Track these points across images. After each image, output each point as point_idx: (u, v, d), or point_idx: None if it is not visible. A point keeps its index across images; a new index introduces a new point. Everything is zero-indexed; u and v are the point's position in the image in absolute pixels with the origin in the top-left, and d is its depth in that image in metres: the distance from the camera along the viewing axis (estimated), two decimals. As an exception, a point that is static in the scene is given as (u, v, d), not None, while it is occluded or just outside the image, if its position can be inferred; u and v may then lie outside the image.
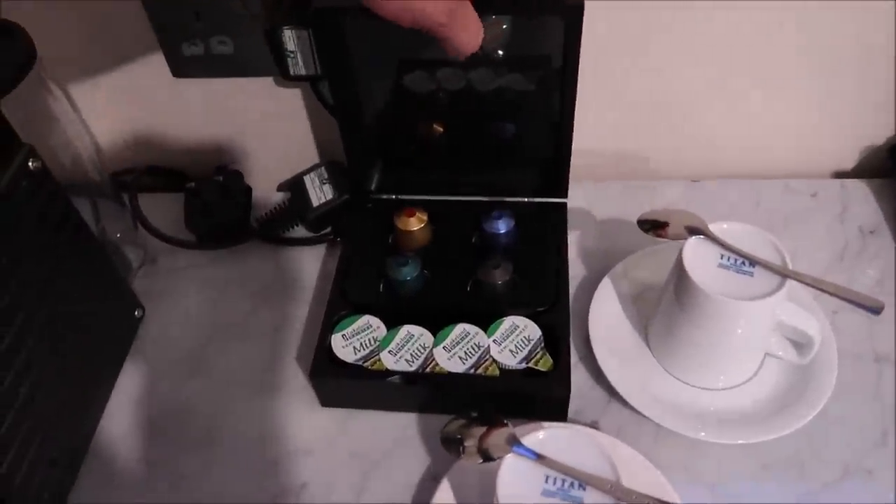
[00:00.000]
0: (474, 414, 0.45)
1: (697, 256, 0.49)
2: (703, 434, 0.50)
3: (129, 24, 0.61)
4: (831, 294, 0.47)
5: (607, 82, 0.64)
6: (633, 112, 0.67)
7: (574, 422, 0.53)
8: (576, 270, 0.63)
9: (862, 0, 0.57)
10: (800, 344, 0.51)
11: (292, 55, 0.59)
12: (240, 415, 0.56)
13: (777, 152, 0.70)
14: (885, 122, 0.67)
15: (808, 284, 0.48)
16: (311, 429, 0.54)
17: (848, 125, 0.68)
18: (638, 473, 0.45)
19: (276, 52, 0.59)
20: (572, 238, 0.65)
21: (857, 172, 0.71)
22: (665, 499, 0.40)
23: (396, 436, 0.53)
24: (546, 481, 0.39)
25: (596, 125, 0.67)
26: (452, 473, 0.48)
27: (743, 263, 0.49)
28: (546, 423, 0.46)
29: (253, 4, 0.57)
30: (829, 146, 0.70)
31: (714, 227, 0.50)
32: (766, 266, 0.48)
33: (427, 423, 0.54)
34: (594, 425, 0.53)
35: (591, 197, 0.69)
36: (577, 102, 0.55)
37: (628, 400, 0.52)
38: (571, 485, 0.39)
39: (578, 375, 0.56)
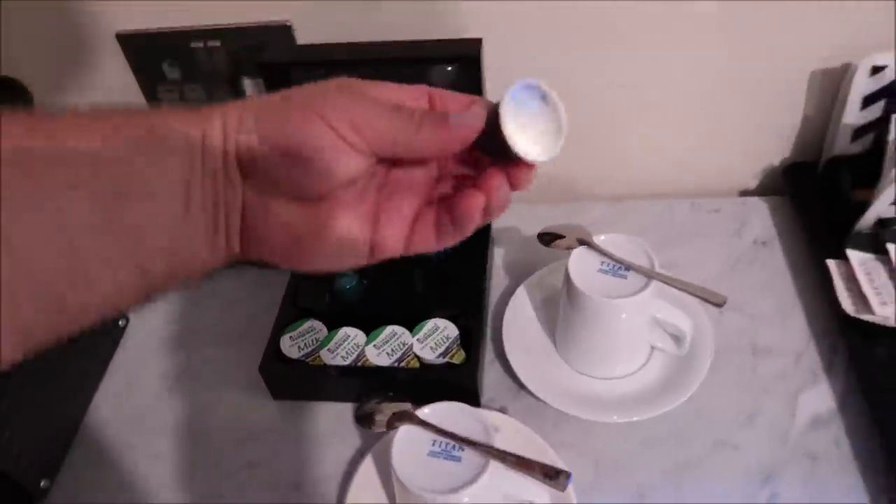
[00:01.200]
0: (390, 394, 0.54)
1: (581, 264, 0.58)
2: (589, 415, 0.58)
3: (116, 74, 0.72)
4: (680, 289, 0.56)
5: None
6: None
7: (486, 408, 0.61)
8: (499, 280, 0.72)
9: (769, 42, 0.67)
10: (677, 337, 0.60)
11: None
12: (202, 407, 0.65)
13: (688, 173, 0.79)
14: (782, 146, 0.76)
15: (664, 282, 0.56)
16: (262, 418, 0.64)
17: (751, 149, 0.77)
18: (526, 445, 0.54)
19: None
20: (500, 252, 0.74)
21: (758, 191, 0.79)
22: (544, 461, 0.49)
23: (334, 421, 0.62)
24: (433, 444, 0.48)
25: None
26: (376, 449, 0.57)
27: (618, 268, 0.57)
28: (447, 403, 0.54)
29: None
30: (734, 167, 0.79)
31: (598, 238, 0.59)
32: (636, 269, 0.57)
33: (361, 410, 0.63)
34: (503, 410, 0.61)
35: (522, 217, 0.78)
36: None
37: (529, 387, 0.60)
38: (453, 447, 0.48)
39: (493, 370, 0.64)
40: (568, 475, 0.47)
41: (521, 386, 0.62)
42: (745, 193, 0.80)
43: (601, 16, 0.67)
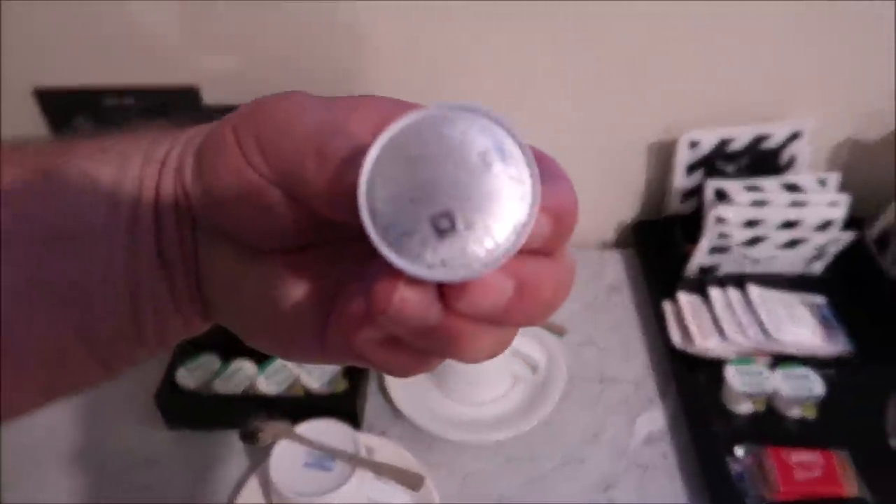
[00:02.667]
0: (271, 415, 0.60)
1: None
2: (458, 436, 0.66)
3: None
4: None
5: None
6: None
7: (367, 432, 0.68)
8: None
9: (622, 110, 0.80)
10: (533, 366, 0.69)
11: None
12: (98, 436, 0.69)
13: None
14: (631, 206, 0.89)
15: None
16: (157, 444, 0.68)
17: (607, 207, 0.89)
18: (397, 461, 0.61)
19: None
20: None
21: (613, 243, 0.91)
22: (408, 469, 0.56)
23: (225, 446, 0.67)
24: (307, 457, 0.54)
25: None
26: (260, 469, 0.62)
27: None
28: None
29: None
30: (594, 223, 0.90)
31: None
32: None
33: (252, 437, 0.68)
34: (382, 434, 0.68)
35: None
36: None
37: (405, 413, 0.68)
38: (325, 458, 0.54)
39: (374, 400, 0.71)
40: (422, 478, 0.54)
41: (399, 413, 0.69)
42: (602, 245, 0.92)
43: (481, 85, 0.78)
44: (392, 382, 0.70)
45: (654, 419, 0.70)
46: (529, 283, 0.17)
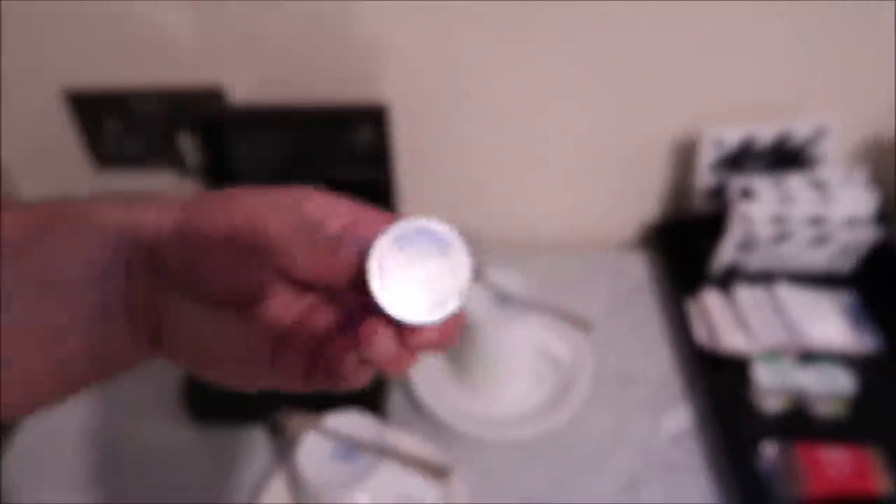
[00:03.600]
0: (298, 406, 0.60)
1: (473, 297, 0.67)
2: (482, 432, 0.66)
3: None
4: (552, 316, 0.65)
5: (443, 178, 0.84)
6: (468, 202, 0.87)
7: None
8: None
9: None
10: (558, 365, 0.69)
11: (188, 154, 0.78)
12: (124, 430, 0.69)
13: (577, 230, 0.90)
14: (655, 206, 0.88)
15: (538, 309, 0.65)
16: (182, 440, 0.68)
17: (629, 208, 0.89)
18: (421, 454, 0.60)
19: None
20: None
21: (635, 244, 0.91)
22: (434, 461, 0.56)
23: (251, 439, 0.67)
24: (335, 450, 0.54)
25: (436, 211, 0.86)
26: (286, 463, 0.62)
27: (505, 300, 0.66)
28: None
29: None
30: (615, 224, 0.90)
31: (489, 274, 0.68)
32: (516, 298, 0.66)
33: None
34: (405, 430, 0.68)
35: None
36: (415, 194, 0.74)
37: (427, 407, 0.67)
38: (351, 450, 0.54)
39: (397, 394, 0.71)
40: (449, 468, 0.54)
41: (421, 408, 0.69)
42: (623, 247, 0.91)
43: (502, 89, 0.78)
44: (417, 378, 0.70)
45: (679, 418, 0.69)
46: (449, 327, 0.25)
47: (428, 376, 0.71)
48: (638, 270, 0.86)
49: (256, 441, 0.67)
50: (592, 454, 0.66)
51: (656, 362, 0.74)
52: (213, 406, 0.69)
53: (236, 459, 0.66)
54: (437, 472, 0.53)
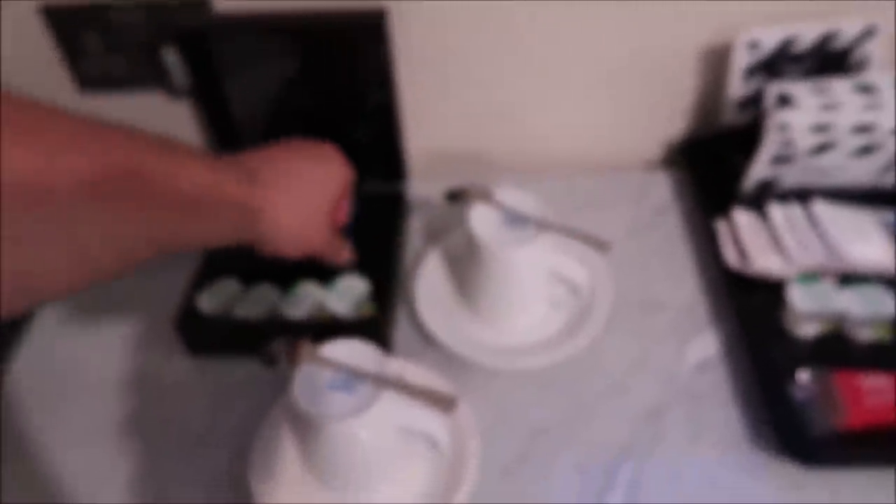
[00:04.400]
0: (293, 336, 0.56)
1: (482, 218, 0.62)
2: (493, 362, 0.62)
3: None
4: (567, 236, 0.60)
5: (452, 93, 0.78)
6: (479, 118, 0.81)
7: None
8: (417, 243, 0.75)
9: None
10: (574, 289, 0.64)
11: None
12: (120, 363, 0.66)
13: (595, 148, 0.84)
14: (679, 121, 0.81)
15: (552, 229, 0.60)
16: (179, 372, 0.65)
17: (651, 124, 0.82)
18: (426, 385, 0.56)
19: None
20: (420, 217, 0.78)
21: (658, 163, 0.85)
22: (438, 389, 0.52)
23: (247, 373, 0.64)
24: (332, 380, 0.51)
25: (445, 129, 0.81)
26: (283, 396, 0.59)
27: (516, 220, 0.61)
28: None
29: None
30: (637, 142, 0.84)
31: (498, 193, 0.63)
32: (529, 218, 0.60)
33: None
34: (412, 361, 0.64)
35: (438, 189, 0.81)
36: (423, 111, 0.68)
37: (437, 337, 0.63)
38: (350, 380, 0.50)
39: (404, 327, 0.67)
40: (455, 399, 0.50)
41: (430, 339, 0.65)
42: (647, 166, 0.85)
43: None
44: (424, 308, 0.66)
45: (706, 346, 0.64)
46: None
47: (436, 305, 0.67)
48: (662, 191, 0.80)
49: (254, 373, 0.64)
50: (611, 384, 0.62)
51: (682, 288, 0.69)
52: (207, 338, 0.65)
53: (233, 392, 0.63)
54: (442, 403, 0.49)
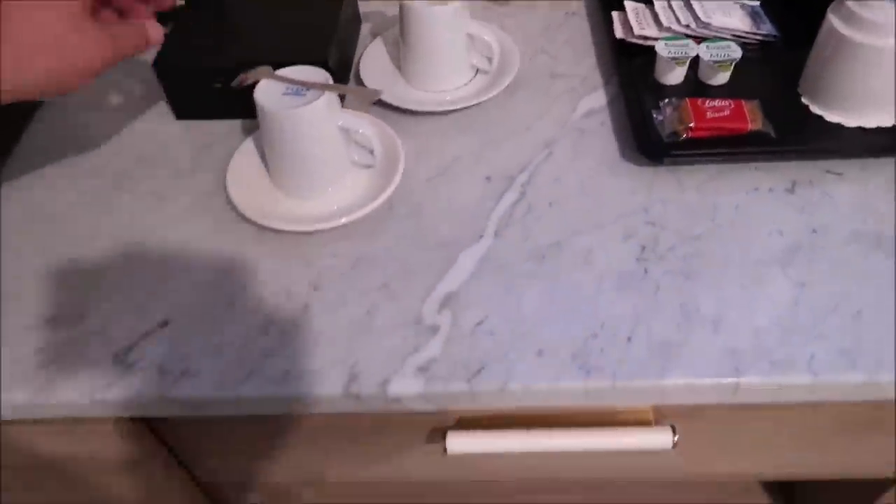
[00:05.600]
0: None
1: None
2: (420, 108, 0.77)
3: None
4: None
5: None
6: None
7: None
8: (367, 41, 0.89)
9: None
10: (489, 57, 0.79)
11: None
12: (107, 135, 0.81)
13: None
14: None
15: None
16: (165, 137, 0.80)
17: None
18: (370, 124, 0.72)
19: None
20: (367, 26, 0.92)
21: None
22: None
23: (232, 126, 0.79)
24: (286, 89, 0.66)
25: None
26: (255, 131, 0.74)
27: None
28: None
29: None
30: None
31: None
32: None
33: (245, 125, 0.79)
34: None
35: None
36: None
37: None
38: (301, 89, 0.65)
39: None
40: (378, 91, 0.65)
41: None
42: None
43: None
44: (366, 69, 0.81)
45: (596, 99, 0.80)
46: None
47: (376, 69, 0.81)
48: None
49: (235, 127, 0.79)
50: (516, 126, 0.77)
51: (583, 64, 0.84)
52: (194, 104, 0.79)
53: (217, 139, 0.78)
54: (369, 94, 0.65)
